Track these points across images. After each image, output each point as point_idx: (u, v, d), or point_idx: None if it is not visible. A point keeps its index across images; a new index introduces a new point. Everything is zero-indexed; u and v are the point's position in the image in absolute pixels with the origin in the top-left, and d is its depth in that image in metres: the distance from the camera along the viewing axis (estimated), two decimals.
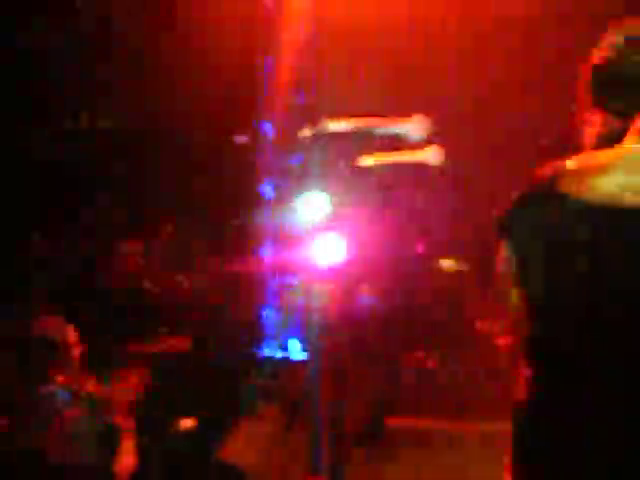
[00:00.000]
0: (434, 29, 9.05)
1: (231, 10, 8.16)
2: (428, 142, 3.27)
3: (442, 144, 3.39)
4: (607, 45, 2.11)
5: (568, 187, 1.91)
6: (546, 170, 1.97)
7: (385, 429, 6.92)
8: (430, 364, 8.65)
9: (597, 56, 2.13)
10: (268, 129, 8.80)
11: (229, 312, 7.92)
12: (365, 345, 7.61)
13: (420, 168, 3.39)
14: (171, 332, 6.07)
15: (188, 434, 5.09)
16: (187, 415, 5.18)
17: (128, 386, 4.18)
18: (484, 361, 8.85)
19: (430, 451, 6.89)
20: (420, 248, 9.51)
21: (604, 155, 1.98)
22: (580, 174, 1.93)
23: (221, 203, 9.00)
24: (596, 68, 2.12)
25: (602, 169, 1.92)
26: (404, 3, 8.71)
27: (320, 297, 3.15)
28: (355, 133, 3.14)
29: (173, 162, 8.91)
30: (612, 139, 2.04)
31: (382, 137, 3.22)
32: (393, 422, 7.07)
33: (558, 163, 1.96)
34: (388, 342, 8.31)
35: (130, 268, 7.33)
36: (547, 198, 1.93)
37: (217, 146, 9.09)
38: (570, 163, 1.96)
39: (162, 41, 8.56)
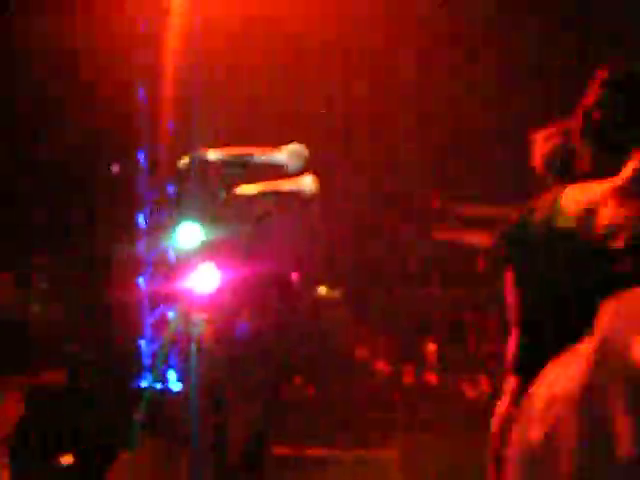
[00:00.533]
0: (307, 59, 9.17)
1: (107, 41, 8.11)
2: (304, 170, 3.31)
3: (316, 172, 3.43)
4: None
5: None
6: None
7: (266, 457, 6.91)
8: (308, 391, 8.68)
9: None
10: (143, 159, 8.74)
11: (106, 343, 7.82)
12: (244, 374, 7.60)
13: (295, 196, 3.42)
14: (49, 364, 5.97)
15: (67, 469, 5.00)
16: (65, 449, 5.08)
17: (4, 419, 4.09)
18: (362, 386, 8.93)
19: (310, 477, 6.91)
20: (295, 277, 9.55)
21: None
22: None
23: (95, 234, 8.90)
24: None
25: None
26: (278, 37, 8.82)
27: (197, 327, 3.15)
28: (232, 161, 3.15)
29: (46, 194, 8.78)
30: None
31: (259, 165, 3.24)
32: (274, 450, 7.06)
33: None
34: (266, 371, 8.31)
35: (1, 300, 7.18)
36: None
37: (92, 177, 8.99)
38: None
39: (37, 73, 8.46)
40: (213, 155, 3.15)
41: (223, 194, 3.13)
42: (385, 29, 9.55)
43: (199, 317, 3.15)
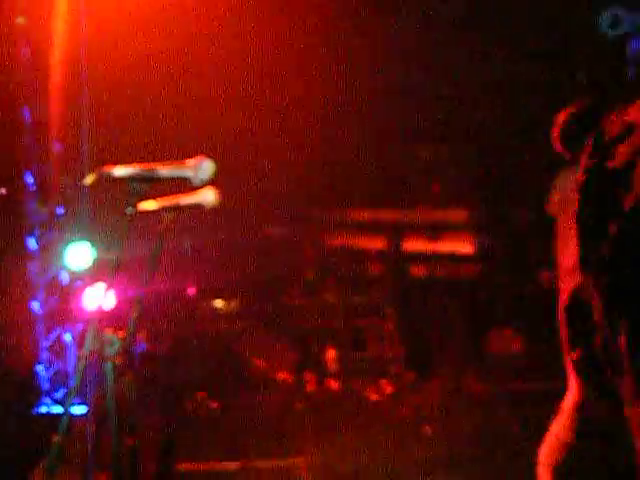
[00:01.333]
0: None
1: None
2: (209, 183, 3.29)
3: (219, 185, 3.42)
4: None
5: None
6: None
7: (175, 473, 6.85)
8: (213, 405, 8.63)
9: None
10: (30, 180, 8.58)
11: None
12: (149, 389, 7.52)
13: (195, 210, 3.40)
14: None
15: None
16: None
17: None
18: (264, 397, 8.92)
19: None
20: (193, 291, 9.50)
21: None
22: None
23: None
24: None
25: None
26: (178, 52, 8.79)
27: (112, 345, 3.10)
28: (138, 177, 3.12)
29: None
30: None
31: (164, 180, 3.21)
32: (183, 466, 7.01)
33: None
34: (169, 385, 8.24)
35: None
36: None
37: None
38: None
39: None
40: (119, 171, 3.12)
41: (130, 210, 3.09)
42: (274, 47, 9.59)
43: (113, 336, 3.10)
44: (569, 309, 3.02)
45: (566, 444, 2.97)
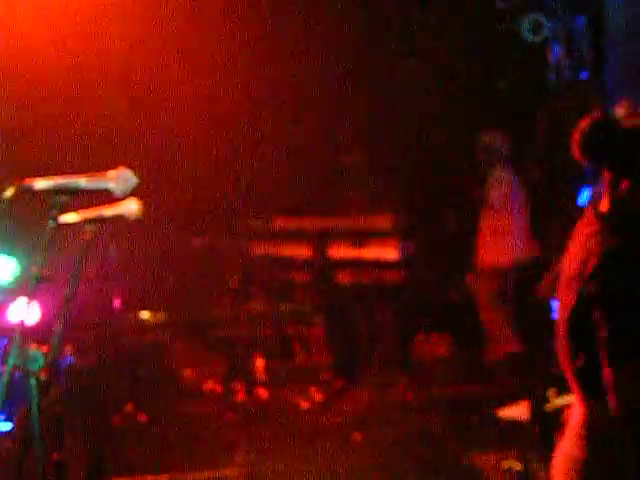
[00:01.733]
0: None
1: None
2: (131, 194, 3.28)
3: (143, 196, 3.41)
4: None
5: None
6: None
7: None
8: (141, 417, 8.55)
9: None
10: None
11: None
12: (75, 403, 7.42)
13: (118, 221, 3.39)
14: None
15: None
16: None
17: None
18: (193, 408, 8.85)
19: None
20: (119, 302, 9.40)
21: None
22: None
23: None
24: None
25: None
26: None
27: (35, 361, 3.07)
28: (59, 189, 3.09)
29: None
30: None
31: (85, 192, 3.19)
32: None
33: None
34: (96, 399, 8.14)
35: None
36: None
37: None
38: None
39: None
40: (40, 184, 3.09)
41: (52, 223, 3.06)
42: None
43: (37, 350, 3.07)
44: (571, 320, 2.97)
45: (579, 461, 2.95)
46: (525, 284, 9.07)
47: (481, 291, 9.45)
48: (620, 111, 4.63)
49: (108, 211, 3.39)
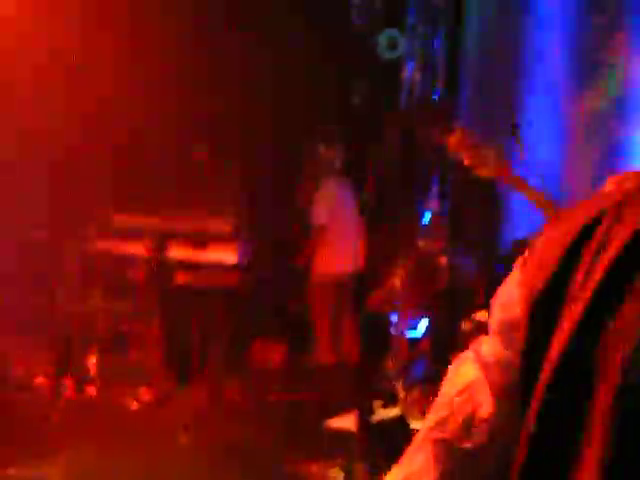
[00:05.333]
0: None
1: None
2: None
3: None
4: None
5: None
6: None
7: None
8: None
9: None
10: None
11: None
12: None
13: None
14: None
15: None
16: None
17: None
18: (20, 403, 8.62)
19: None
20: None
21: None
22: None
23: None
24: None
25: None
26: None
27: None
28: None
29: None
30: None
31: None
32: None
33: None
34: None
35: None
36: None
37: None
38: None
39: None
40: None
41: None
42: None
43: None
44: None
45: None
46: (357, 297, 9.20)
47: (315, 300, 9.53)
48: (452, 140, 4.44)
49: None
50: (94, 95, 9.32)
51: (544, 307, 1.17)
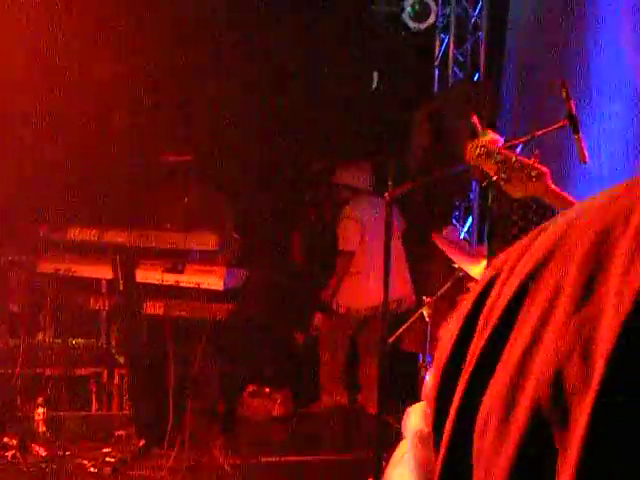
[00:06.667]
0: None
1: None
2: None
3: None
4: None
5: None
6: None
7: None
8: None
9: None
10: None
11: None
12: None
13: None
14: None
15: None
16: None
17: None
18: None
19: None
20: None
21: None
22: None
23: None
24: None
25: None
26: None
27: None
28: None
29: None
30: None
31: None
32: None
33: None
34: None
35: None
36: None
37: None
38: None
39: None
40: None
41: None
42: None
43: None
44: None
45: None
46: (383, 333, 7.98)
47: (329, 334, 8.67)
48: (473, 145, 3.94)
49: None
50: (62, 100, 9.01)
51: (449, 375, 1.13)
